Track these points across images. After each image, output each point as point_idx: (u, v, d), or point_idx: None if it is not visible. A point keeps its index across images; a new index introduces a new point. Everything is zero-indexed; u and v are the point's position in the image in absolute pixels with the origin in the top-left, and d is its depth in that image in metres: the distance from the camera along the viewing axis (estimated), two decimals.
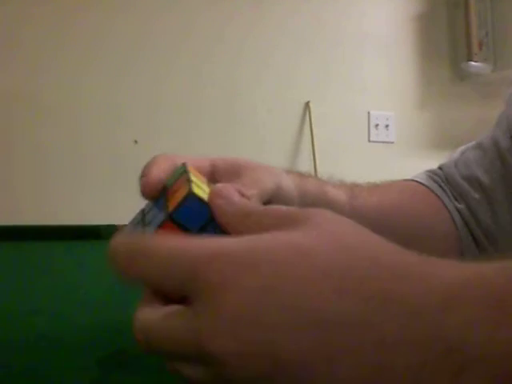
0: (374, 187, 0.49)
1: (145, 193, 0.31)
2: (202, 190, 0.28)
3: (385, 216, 0.46)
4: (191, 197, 0.27)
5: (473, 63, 2.09)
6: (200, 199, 0.27)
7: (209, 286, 0.21)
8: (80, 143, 1.69)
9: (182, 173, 0.30)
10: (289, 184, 0.37)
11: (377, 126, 2.08)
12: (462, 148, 0.56)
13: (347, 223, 0.24)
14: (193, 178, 0.29)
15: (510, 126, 0.50)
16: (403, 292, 0.20)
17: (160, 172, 0.31)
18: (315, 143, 1.93)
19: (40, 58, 1.67)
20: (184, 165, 0.31)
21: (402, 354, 0.19)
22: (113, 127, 1.72)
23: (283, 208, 0.25)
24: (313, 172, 1.90)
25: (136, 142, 1.70)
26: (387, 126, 2.09)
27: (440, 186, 0.52)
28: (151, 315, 0.23)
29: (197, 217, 0.27)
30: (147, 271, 0.23)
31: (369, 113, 2.07)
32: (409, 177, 0.56)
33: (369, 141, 2.07)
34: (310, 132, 1.94)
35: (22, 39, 1.66)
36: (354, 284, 0.20)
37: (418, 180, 0.54)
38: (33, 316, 0.42)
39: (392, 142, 2.10)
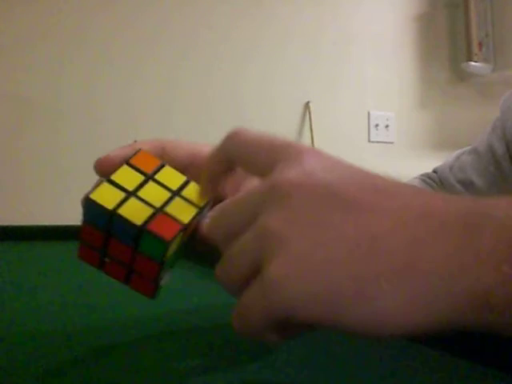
0: None
1: (97, 166, 0.32)
2: (125, 182, 0.29)
3: None
4: (88, 201, 0.28)
5: (473, 63, 2.09)
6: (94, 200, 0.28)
7: (299, 151, 0.25)
8: (80, 143, 1.69)
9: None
10: (179, 145, 0.36)
11: (377, 126, 2.08)
12: (458, 152, 0.56)
13: None
14: (114, 174, 0.30)
15: (504, 133, 0.50)
16: (445, 195, 0.23)
17: (121, 151, 0.32)
18: (315, 143, 1.93)
19: (41, 59, 1.67)
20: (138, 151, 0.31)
21: (437, 220, 0.21)
22: (113, 127, 1.72)
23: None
24: None
25: (136, 141, 1.70)
26: (387, 126, 2.09)
27: (433, 189, 0.53)
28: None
29: (99, 216, 0.28)
30: (247, 143, 0.28)
31: (369, 113, 2.07)
32: (409, 177, 0.56)
33: (369, 141, 2.07)
34: (310, 132, 1.95)
35: (25, 41, 1.66)
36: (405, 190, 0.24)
37: (412, 184, 0.54)
38: (32, 316, 0.42)
39: (392, 142, 2.10)
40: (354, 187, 0.23)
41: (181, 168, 0.33)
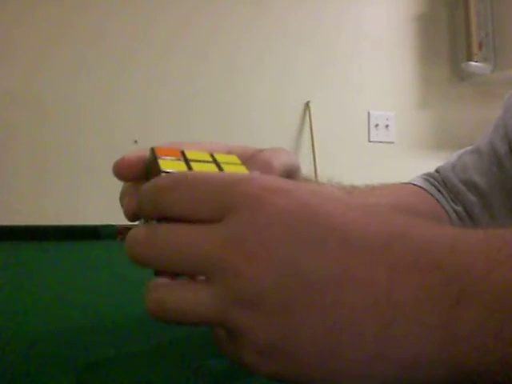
0: (371, 189, 0.49)
1: (116, 170, 0.31)
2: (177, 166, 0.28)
3: None
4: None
5: (473, 63, 2.09)
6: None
7: (247, 197, 0.22)
8: (80, 143, 1.69)
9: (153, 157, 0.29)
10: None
11: (377, 125, 2.08)
12: (460, 152, 0.56)
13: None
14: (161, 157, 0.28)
15: (507, 132, 0.50)
16: (414, 233, 0.21)
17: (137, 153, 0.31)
18: (315, 143, 1.93)
19: (39, 57, 1.67)
20: (153, 149, 0.30)
21: (409, 284, 0.20)
22: (113, 127, 1.72)
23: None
24: (313, 172, 1.90)
25: (136, 142, 1.70)
26: (387, 126, 2.09)
27: (437, 189, 0.53)
28: (168, 231, 0.23)
29: None
30: (186, 195, 0.23)
31: (369, 113, 2.07)
32: (409, 177, 0.56)
33: (369, 141, 2.07)
34: (310, 132, 1.95)
35: (22, 39, 1.66)
36: (375, 220, 0.22)
37: (415, 183, 0.54)
38: (32, 316, 0.42)
39: (392, 142, 2.10)
40: (320, 267, 0.20)
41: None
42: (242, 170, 0.29)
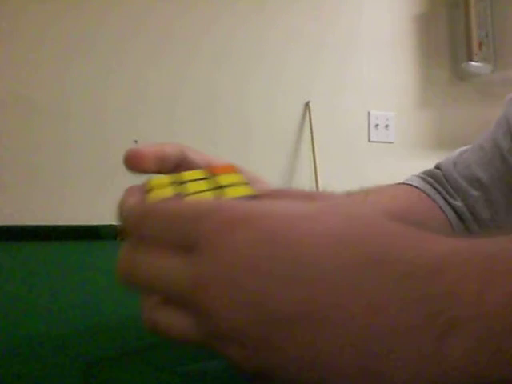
0: (365, 194, 0.48)
1: (131, 160, 0.32)
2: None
3: None
4: None
5: (473, 63, 2.09)
6: None
7: (209, 234, 0.21)
8: (80, 143, 1.69)
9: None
10: (197, 153, 0.37)
11: (377, 126, 2.08)
12: (460, 150, 0.56)
13: (347, 200, 0.28)
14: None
15: (510, 128, 0.50)
16: (396, 256, 0.20)
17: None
18: (315, 143, 1.93)
19: (36, 57, 1.67)
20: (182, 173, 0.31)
21: (389, 317, 0.19)
22: (113, 127, 1.72)
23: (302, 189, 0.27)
24: (313, 172, 1.90)
25: (136, 141, 1.70)
26: (387, 126, 2.09)
27: (433, 187, 0.52)
28: (145, 254, 0.24)
29: None
30: (156, 226, 0.24)
31: (369, 113, 2.07)
32: (409, 177, 0.56)
33: (369, 141, 2.07)
34: (310, 132, 1.94)
35: (18, 39, 1.65)
36: (348, 246, 0.20)
37: (410, 183, 0.53)
38: (32, 316, 0.42)
39: (392, 142, 2.10)
40: (291, 304, 0.20)
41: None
42: (243, 191, 0.29)
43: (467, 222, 0.50)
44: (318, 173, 1.89)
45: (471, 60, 2.09)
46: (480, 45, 2.10)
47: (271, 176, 1.76)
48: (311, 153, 1.93)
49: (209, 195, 0.28)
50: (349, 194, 0.46)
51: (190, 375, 0.30)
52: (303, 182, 1.91)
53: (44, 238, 0.91)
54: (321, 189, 1.84)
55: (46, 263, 0.70)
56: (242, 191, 0.29)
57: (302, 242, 0.20)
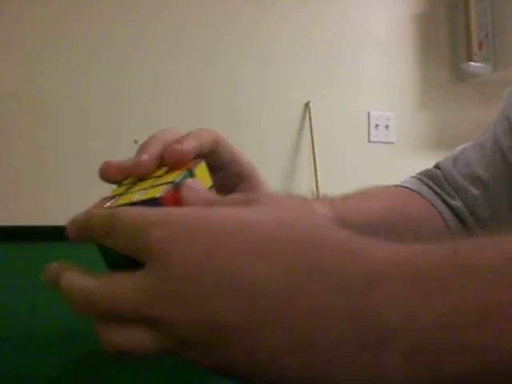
0: (360, 199, 0.46)
1: (139, 166, 0.33)
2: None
3: (373, 229, 0.44)
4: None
5: (473, 63, 2.09)
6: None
7: (154, 251, 0.22)
8: (80, 143, 1.69)
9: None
10: (227, 145, 0.39)
11: (377, 126, 2.08)
12: (460, 148, 0.55)
13: (295, 204, 0.27)
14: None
15: (510, 125, 0.50)
16: (331, 266, 0.21)
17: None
18: (315, 143, 1.93)
19: (40, 57, 1.67)
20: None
21: (325, 327, 0.20)
22: (113, 127, 1.72)
23: (241, 194, 0.27)
24: (313, 172, 1.90)
25: (136, 142, 1.70)
26: (387, 126, 2.09)
27: (431, 188, 0.52)
28: (94, 278, 0.25)
29: None
30: (115, 241, 0.25)
31: (369, 113, 2.07)
32: (406, 178, 0.56)
33: (369, 141, 2.07)
34: (310, 132, 1.94)
35: (22, 39, 1.66)
36: (285, 258, 0.21)
37: (406, 185, 0.53)
38: (32, 316, 0.42)
39: (392, 143, 2.10)
40: (234, 317, 0.21)
41: (222, 164, 0.38)
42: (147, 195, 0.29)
43: (466, 221, 0.49)
44: (318, 173, 1.89)
45: (471, 60, 2.09)
46: (480, 45, 2.10)
47: (271, 176, 1.75)
48: (311, 153, 1.93)
49: (123, 200, 0.30)
50: (340, 202, 0.44)
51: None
52: (303, 182, 1.91)
53: (44, 238, 0.91)
54: (321, 189, 1.84)
55: (46, 263, 0.70)
56: (148, 194, 0.29)
57: (238, 257, 0.21)
